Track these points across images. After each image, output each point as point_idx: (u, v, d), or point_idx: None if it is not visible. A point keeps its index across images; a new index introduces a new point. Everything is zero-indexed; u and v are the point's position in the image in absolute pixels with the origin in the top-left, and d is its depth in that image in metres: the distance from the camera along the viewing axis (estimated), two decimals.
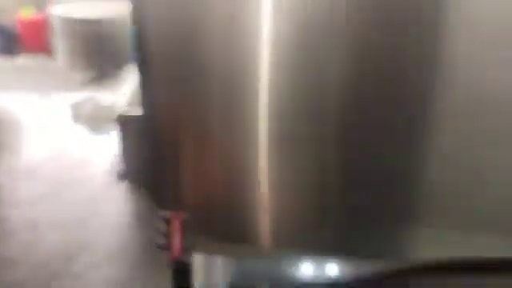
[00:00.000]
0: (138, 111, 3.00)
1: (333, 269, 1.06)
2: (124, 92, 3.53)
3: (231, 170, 0.87)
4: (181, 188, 0.76)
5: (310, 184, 0.92)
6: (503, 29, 0.80)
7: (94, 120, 3.72)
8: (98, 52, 4.57)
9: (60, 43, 4.63)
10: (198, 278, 0.97)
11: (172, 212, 0.60)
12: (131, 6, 0.84)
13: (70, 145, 3.48)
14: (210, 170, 0.85)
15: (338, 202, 0.96)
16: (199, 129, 0.85)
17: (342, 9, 0.73)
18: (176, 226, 0.56)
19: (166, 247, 0.76)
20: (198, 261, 0.95)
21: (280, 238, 0.98)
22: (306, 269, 1.06)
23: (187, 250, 0.79)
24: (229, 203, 0.88)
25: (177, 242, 0.66)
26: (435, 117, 0.88)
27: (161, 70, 0.85)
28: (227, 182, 0.88)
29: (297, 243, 0.99)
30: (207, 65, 0.85)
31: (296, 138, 0.85)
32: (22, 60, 4.86)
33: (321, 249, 0.98)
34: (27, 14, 4.96)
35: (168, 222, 0.59)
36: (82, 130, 3.65)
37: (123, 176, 3.07)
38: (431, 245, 1.03)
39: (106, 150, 3.40)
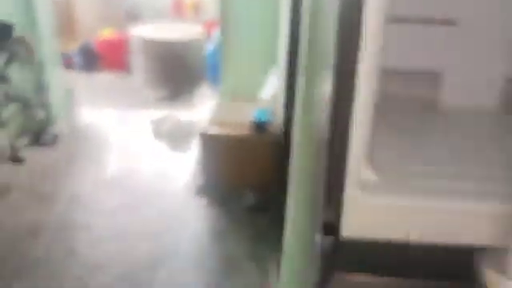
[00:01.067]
0: (216, 130, 3.14)
1: None
2: (202, 110, 3.70)
3: None
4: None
5: None
6: None
7: (173, 136, 3.89)
8: (173, 71, 4.79)
9: (138, 62, 4.88)
10: None
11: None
12: None
13: (150, 159, 3.65)
14: None
15: None
16: None
17: None
18: None
19: None
20: None
21: None
22: None
23: None
24: None
25: None
26: None
27: None
28: None
29: None
30: None
31: None
32: (102, 77, 5.13)
33: None
34: (108, 34, 5.25)
35: None
36: (162, 146, 3.83)
37: (202, 190, 3.21)
38: None
39: (185, 166, 3.56)
